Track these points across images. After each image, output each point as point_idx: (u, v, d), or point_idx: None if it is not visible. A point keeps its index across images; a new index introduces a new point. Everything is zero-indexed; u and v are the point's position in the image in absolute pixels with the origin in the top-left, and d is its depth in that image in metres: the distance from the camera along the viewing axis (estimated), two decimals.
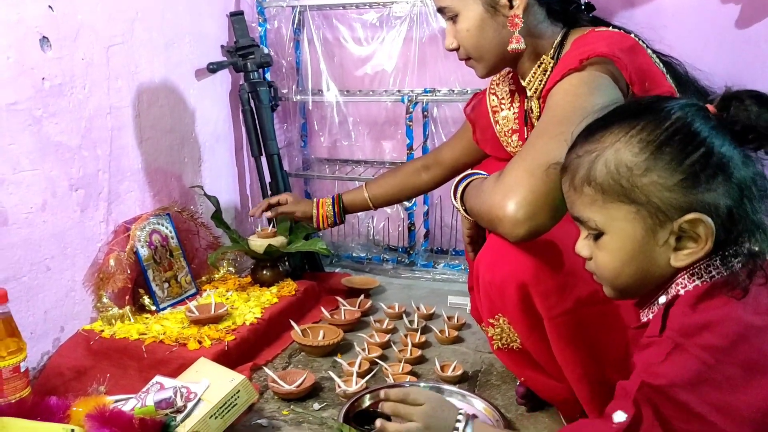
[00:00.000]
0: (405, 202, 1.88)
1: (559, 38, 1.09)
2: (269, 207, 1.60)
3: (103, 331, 1.34)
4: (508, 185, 0.89)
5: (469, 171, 1.09)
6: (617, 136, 0.70)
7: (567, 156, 0.76)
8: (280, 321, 1.50)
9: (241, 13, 1.84)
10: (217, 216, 1.67)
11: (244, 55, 1.81)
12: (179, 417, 1.00)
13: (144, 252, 1.48)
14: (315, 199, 1.58)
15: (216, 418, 1.01)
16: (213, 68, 1.76)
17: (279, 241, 1.63)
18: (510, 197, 0.88)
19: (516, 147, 1.23)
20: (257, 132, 1.84)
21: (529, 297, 0.94)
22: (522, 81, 1.16)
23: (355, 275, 1.93)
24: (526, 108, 1.20)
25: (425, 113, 1.91)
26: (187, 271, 1.60)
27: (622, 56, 0.94)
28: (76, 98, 1.34)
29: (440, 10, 1.14)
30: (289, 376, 1.26)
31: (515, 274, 0.94)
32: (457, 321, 1.55)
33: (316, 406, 1.20)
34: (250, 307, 1.50)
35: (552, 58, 1.09)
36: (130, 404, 1.03)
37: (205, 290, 1.61)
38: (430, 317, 1.62)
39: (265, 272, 1.66)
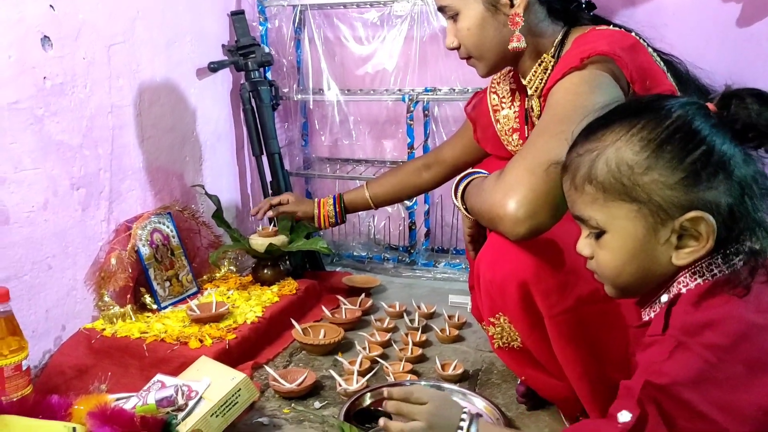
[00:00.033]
0: (406, 201, 1.88)
1: (559, 37, 1.09)
2: (270, 207, 1.61)
3: (104, 329, 1.34)
4: (508, 184, 0.89)
5: (469, 170, 1.09)
6: (618, 135, 0.70)
7: (568, 155, 0.76)
8: (281, 320, 1.50)
9: (242, 12, 1.84)
10: (218, 215, 1.68)
11: (245, 54, 1.81)
12: (180, 415, 1.00)
13: (145, 251, 1.48)
14: (316, 199, 1.59)
15: (217, 416, 1.02)
16: (214, 67, 1.76)
17: (280, 240, 1.63)
18: (511, 196, 0.88)
19: (516, 146, 1.23)
20: (258, 131, 1.84)
21: (529, 295, 0.94)
22: (523, 80, 1.16)
23: (356, 274, 1.93)
24: (526, 107, 1.20)
25: (426, 112, 1.91)
26: (188, 270, 1.60)
27: (622, 55, 0.94)
28: (78, 97, 1.34)
29: (441, 9, 1.14)
30: (290, 374, 1.26)
31: (516, 272, 0.94)
32: (458, 320, 1.55)
33: (317, 404, 1.20)
34: (251, 305, 1.50)
35: (553, 56, 1.09)
36: (131, 402, 1.03)
37: (206, 289, 1.62)
38: (431, 316, 1.62)
39: (266, 271, 1.66)
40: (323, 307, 1.60)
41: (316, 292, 1.71)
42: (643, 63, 0.97)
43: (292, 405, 1.19)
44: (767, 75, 1.53)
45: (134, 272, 1.44)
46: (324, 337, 1.43)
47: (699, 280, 0.68)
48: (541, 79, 1.11)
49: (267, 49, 1.91)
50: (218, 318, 1.40)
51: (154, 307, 1.47)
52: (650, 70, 0.97)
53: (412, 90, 1.90)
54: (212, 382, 1.05)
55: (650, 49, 1.02)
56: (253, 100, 1.83)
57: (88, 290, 1.39)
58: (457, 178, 1.08)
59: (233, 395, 1.04)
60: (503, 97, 1.26)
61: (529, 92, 1.15)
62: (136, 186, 1.53)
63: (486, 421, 0.89)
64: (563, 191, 0.77)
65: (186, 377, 1.10)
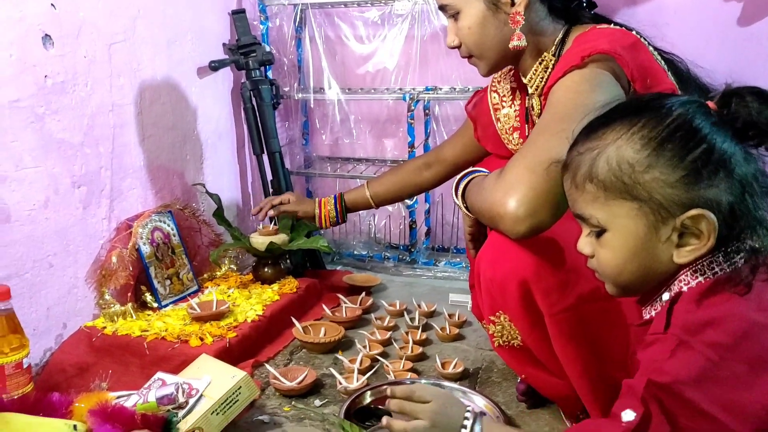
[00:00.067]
0: (406, 200, 1.88)
1: (560, 35, 1.09)
2: (272, 207, 1.61)
3: (105, 327, 1.35)
4: (509, 182, 0.89)
5: (470, 168, 1.09)
6: (619, 133, 0.70)
7: (568, 153, 0.76)
8: (282, 318, 1.50)
9: (243, 11, 1.84)
10: (218, 213, 1.68)
11: (245, 53, 1.81)
12: (181, 413, 1.00)
13: (146, 249, 1.48)
14: (317, 199, 1.59)
15: (217, 414, 1.02)
16: (215, 66, 1.76)
17: (280, 238, 1.63)
18: (511, 194, 0.88)
19: (517, 144, 1.23)
20: (259, 130, 1.84)
21: (530, 294, 0.94)
22: (523, 78, 1.16)
23: (357, 273, 1.93)
24: (527, 105, 1.20)
25: (427, 111, 1.91)
26: (189, 269, 1.61)
27: (623, 53, 0.94)
28: (79, 95, 1.34)
29: (442, 8, 1.14)
30: (290, 372, 1.26)
31: (516, 271, 0.94)
32: (458, 318, 1.55)
33: (318, 402, 1.20)
34: (251, 304, 1.50)
35: (553, 55, 1.09)
36: (132, 400, 1.03)
37: (207, 287, 1.62)
38: (431, 315, 1.62)
39: (266, 270, 1.66)
40: (324, 306, 1.61)
41: (316, 290, 1.71)
42: (644, 61, 0.97)
43: (293, 403, 1.19)
44: None
45: (135, 270, 1.44)
46: (324, 335, 1.43)
47: (700, 278, 0.68)
48: (542, 78, 1.11)
49: (268, 48, 1.91)
50: (219, 316, 1.40)
51: (155, 305, 1.47)
52: (651, 68, 0.97)
53: (413, 89, 1.91)
54: (213, 380, 1.06)
55: (651, 48, 1.02)
56: (253, 99, 1.83)
57: (89, 288, 1.39)
58: (458, 176, 1.08)
59: (234, 393, 1.04)
60: (504, 95, 1.26)
61: (530, 91, 1.15)
62: (137, 184, 1.53)
63: (490, 419, 0.88)
64: (564, 190, 0.77)
65: (186, 375, 1.10)
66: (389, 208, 1.99)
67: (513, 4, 1.06)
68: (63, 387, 1.21)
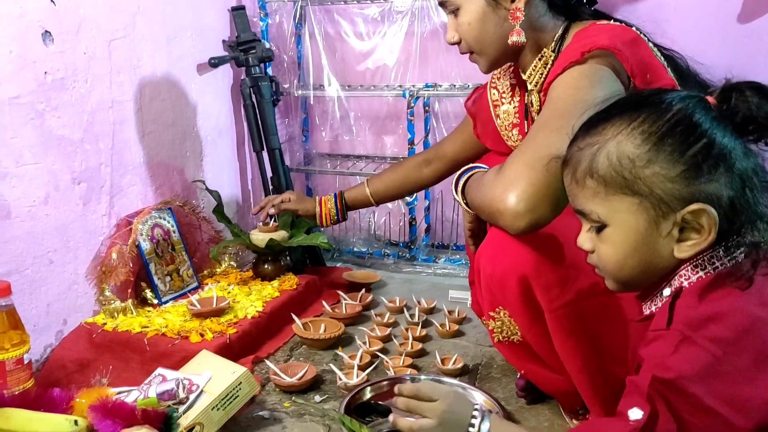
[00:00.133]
0: (406, 197, 1.88)
1: (560, 31, 1.09)
2: (272, 206, 1.61)
3: (105, 324, 1.35)
4: (508, 178, 0.89)
5: (470, 165, 1.09)
6: (619, 129, 0.70)
7: (568, 149, 0.76)
8: (282, 315, 1.50)
9: (243, 7, 1.84)
10: (218, 210, 1.68)
11: (245, 50, 1.81)
12: (181, 408, 1.00)
13: (146, 246, 1.48)
14: (317, 197, 1.59)
15: (218, 409, 1.02)
16: (214, 63, 1.76)
17: (280, 235, 1.63)
18: (511, 190, 0.88)
19: (516, 141, 1.23)
20: (259, 127, 1.84)
21: (530, 290, 0.94)
22: (523, 74, 1.16)
23: (357, 270, 1.93)
24: (526, 102, 1.20)
25: (426, 108, 1.91)
26: (189, 265, 1.61)
27: (623, 49, 0.94)
28: (79, 92, 1.34)
29: (442, 4, 1.14)
30: (290, 368, 1.27)
31: (516, 266, 0.94)
32: (458, 315, 1.55)
33: (318, 398, 1.21)
34: (251, 300, 1.50)
35: (553, 51, 1.09)
36: (132, 396, 1.04)
37: (207, 284, 1.62)
38: (431, 311, 1.62)
39: (266, 266, 1.66)
40: (323, 302, 1.61)
41: (316, 287, 1.71)
42: (644, 57, 0.97)
43: (293, 399, 1.20)
44: None
45: (135, 267, 1.44)
46: (324, 331, 1.43)
47: (701, 273, 0.68)
48: (542, 74, 1.11)
49: (267, 45, 1.91)
50: (219, 312, 1.40)
51: (155, 301, 1.48)
52: (651, 64, 0.97)
53: (413, 86, 1.90)
54: (213, 375, 1.06)
55: (651, 44, 1.02)
56: (253, 96, 1.83)
57: (89, 285, 1.40)
58: (458, 173, 1.08)
59: (234, 389, 1.04)
60: (503, 92, 1.26)
61: (530, 87, 1.15)
62: (137, 181, 1.53)
63: (498, 417, 0.88)
64: (563, 185, 0.77)
65: (187, 371, 1.10)
66: (389, 205, 1.98)
67: (513, 0, 1.06)
68: (63, 383, 1.22)
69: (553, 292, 0.93)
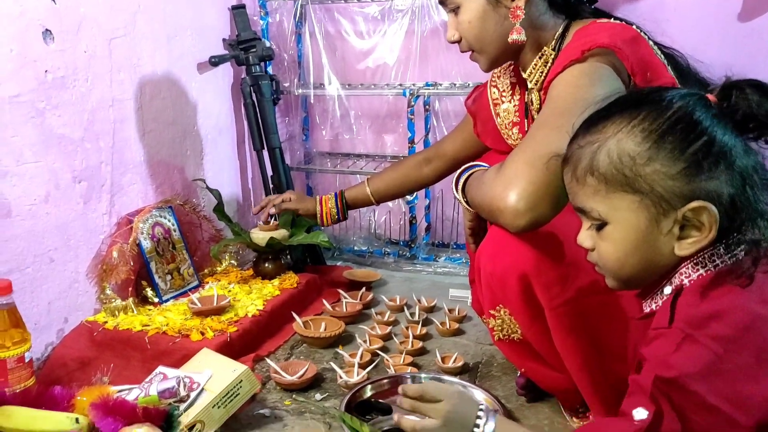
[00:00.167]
0: (407, 196, 1.88)
1: (560, 30, 1.09)
2: (272, 206, 1.61)
3: (106, 322, 1.35)
4: (508, 177, 0.89)
5: (470, 163, 1.09)
6: (619, 126, 0.70)
7: (568, 147, 0.76)
8: (282, 313, 1.50)
9: (243, 6, 1.84)
10: (219, 209, 1.68)
11: (245, 49, 1.81)
12: (182, 406, 1.01)
13: (147, 244, 1.49)
14: (317, 197, 1.59)
15: (219, 407, 1.02)
16: (215, 61, 1.76)
17: (281, 234, 1.63)
18: (511, 188, 0.88)
19: (516, 139, 1.24)
20: (259, 125, 1.85)
21: (530, 288, 0.95)
22: (523, 73, 1.16)
23: (357, 268, 1.94)
24: (526, 100, 1.20)
25: (427, 107, 1.91)
26: (190, 264, 1.61)
27: (623, 47, 0.94)
28: (79, 90, 1.34)
29: (442, 2, 1.14)
30: (291, 367, 1.27)
31: (516, 264, 0.94)
32: (458, 313, 1.55)
33: (318, 396, 1.21)
34: (252, 299, 1.50)
35: (553, 49, 1.09)
36: (133, 394, 1.04)
37: (208, 282, 1.62)
38: (431, 310, 1.62)
39: (267, 265, 1.66)
40: (324, 301, 1.61)
41: (316, 285, 1.71)
42: (644, 55, 0.97)
43: (294, 397, 1.20)
44: None
45: (136, 265, 1.45)
46: (325, 330, 1.44)
47: (701, 271, 0.68)
48: (542, 72, 1.11)
49: (268, 44, 1.91)
50: (219, 311, 1.40)
51: (156, 300, 1.48)
52: (651, 62, 0.98)
53: (413, 84, 1.91)
54: (214, 373, 1.06)
55: (651, 43, 1.02)
56: (254, 95, 1.83)
57: (90, 283, 1.40)
58: (458, 171, 1.08)
59: (235, 387, 1.04)
60: (503, 90, 1.26)
61: (530, 85, 1.15)
62: (137, 179, 1.53)
63: (503, 417, 0.88)
64: (563, 183, 0.77)
65: (188, 369, 1.10)
66: (389, 204, 1.98)
67: None
68: (64, 381, 1.22)
69: (554, 290, 0.93)
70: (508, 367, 1.29)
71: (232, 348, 1.30)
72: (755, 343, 0.64)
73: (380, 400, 1.14)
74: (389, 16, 1.91)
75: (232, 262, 1.75)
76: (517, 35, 1.07)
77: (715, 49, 1.53)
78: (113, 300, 1.39)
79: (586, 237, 0.75)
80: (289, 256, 1.80)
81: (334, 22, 2.00)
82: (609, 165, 0.69)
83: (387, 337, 1.45)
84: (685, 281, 0.69)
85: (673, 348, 0.64)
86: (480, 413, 0.82)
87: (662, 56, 1.02)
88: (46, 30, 1.25)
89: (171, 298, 1.51)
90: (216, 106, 1.85)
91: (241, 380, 1.05)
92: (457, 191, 1.07)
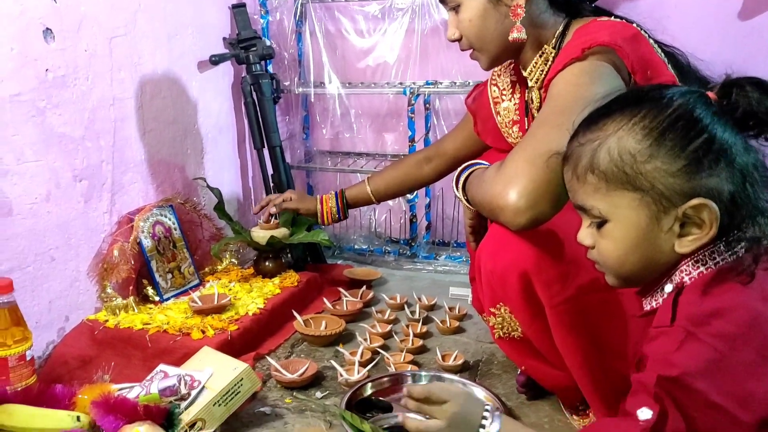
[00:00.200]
0: (407, 195, 1.88)
1: (561, 28, 1.09)
2: (273, 205, 1.61)
3: (107, 320, 1.35)
4: (509, 175, 0.89)
5: (470, 161, 1.09)
6: (619, 124, 0.70)
7: (569, 145, 0.76)
8: (283, 311, 1.50)
9: (244, 5, 1.84)
10: (219, 207, 1.68)
11: (246, 48, 1.81)
12: (183, 404, 1.01)
13: (147, 243, 1.49)
14: (318, 196, 1.59)
15: (219, 405, 1.02)
16: (215, 60, 1.76)
17: (281, 232, 1.63)
18: (511, 187, 0.88)
19: (517, 138, 1.24)
20: (259, 124, 1.85)
21: (530, 286, 0.95)
22: (523, 71, 1.16)
23: (357, 267, 1.94)
24: (526, 99, 1.20)
25: (427, 105, 1.91)
26: (190, 262, 1.61)
27: (624, 45, 0.94)
28: (80, 89, 1.34)
29: (442, 1, 1.14)
30: (291, 365, 1.27)
31: (517, 262, 0.94)
32: (459, 312, 1.56)
33: (319, 394, 1.21)
34: (252, 297, 1.51)
35: (554, 47, 1.09)
36: (134, 392, 1.04)
37: (208, 281, 1.62)
38: (432, 308, 1.63)
39: (267, 263, 1.67)
40: (324, 299, 1.61)
41: (317, 284, 1.71)
42: (645, 53, 0.97)
43: (294, 395, 1.20)
44: None
45: (136, 264, 1.45)
46: (325, 328, 1.44)
47: (702, 269, 0.68)
48: (542, 71, 1.11)
49: (268, 42, 1.91)
50: (220, 309, 1.41)
51: (157, 298, 1.48)
52: (651, 60, 0.98)
53: (413, 83, 1.91)
54: (215, 372, 1.06)
55: (651, 41, 1.02)
56: (254, 93, 1.83)
57: (91, 282, 1.40)
58: (458, 169, 1.08)
59: (235, 385, 1.05)
60: (504, 89, 1.26)
61: (530, 84, 1.15)
62: (138, 178, 1.53)
63: (508, 417, 0.88)
64: (564, 181, 0.77)
65: (189, 367, 1.10)
66: (390, 202, 1.99)
67: None
68: (66, 379, 1.22)
69: (554, 287, 0.93)
70: (508, 365, 1.29)
71: (233, 346, 1.30)
72: (757, 340, 0.64)
73: (381, 398, 1.14)
74: (389, 14, 1.92)
75: (233, 260, 1.76)
76: (518, 33, 1.07)
77: (715, 47, 1.53)
78: (114, 298, 1.40)
79: (586, 235, 0.76)
80: (289, 255, 1.80)
81: (335, 21, 2.00)
82: (609, 163, 0.69)
83: (387, 336, 1.45)
84: (686, 279, 0.69)
85: (676, 346, 0.64)
86: (486, 413, 0.83)
87: (662, 54, 1.02)
88: (47, 29, 1.25)
89: (172, 296, 1.51)
90: (216, 105, 1.85)
91: (242, 378, 1.06)
92: (457, 189, 1.07)
